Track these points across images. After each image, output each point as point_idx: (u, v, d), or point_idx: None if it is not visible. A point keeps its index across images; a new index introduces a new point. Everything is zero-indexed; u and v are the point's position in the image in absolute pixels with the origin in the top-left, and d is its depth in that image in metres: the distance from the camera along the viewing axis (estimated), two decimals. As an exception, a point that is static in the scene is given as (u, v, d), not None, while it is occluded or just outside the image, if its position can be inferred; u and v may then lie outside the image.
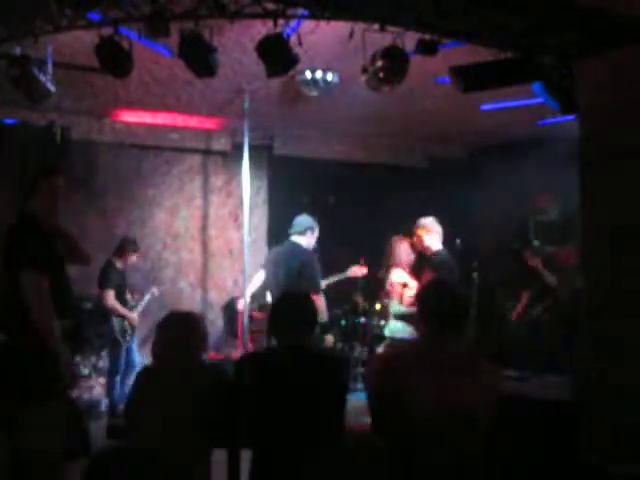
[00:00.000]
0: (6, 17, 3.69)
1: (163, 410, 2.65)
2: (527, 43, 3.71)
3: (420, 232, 5.03)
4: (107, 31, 3.75)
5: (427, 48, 3.79)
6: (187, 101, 6.13)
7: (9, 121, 6.22)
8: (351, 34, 3.75)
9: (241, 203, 6.26)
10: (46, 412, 2.92)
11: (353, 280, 6.79)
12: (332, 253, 5.97)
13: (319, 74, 5.02)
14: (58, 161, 6.16)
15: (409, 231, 5.13)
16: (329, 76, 5.05)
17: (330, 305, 5.54)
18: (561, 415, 3.49)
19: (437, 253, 5.00)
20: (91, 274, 5.67)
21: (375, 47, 3.86)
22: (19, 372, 2.90)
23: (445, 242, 5.11)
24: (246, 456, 2.76)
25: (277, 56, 3.80)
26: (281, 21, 3.67)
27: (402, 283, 5.03)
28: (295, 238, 5.07)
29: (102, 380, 6.15)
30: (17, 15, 3.70)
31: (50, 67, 4.27)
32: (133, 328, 5.98)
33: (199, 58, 3.84)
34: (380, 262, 5.53)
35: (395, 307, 5.06)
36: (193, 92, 5.82)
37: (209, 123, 7.04)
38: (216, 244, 7.56)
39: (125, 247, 6.01)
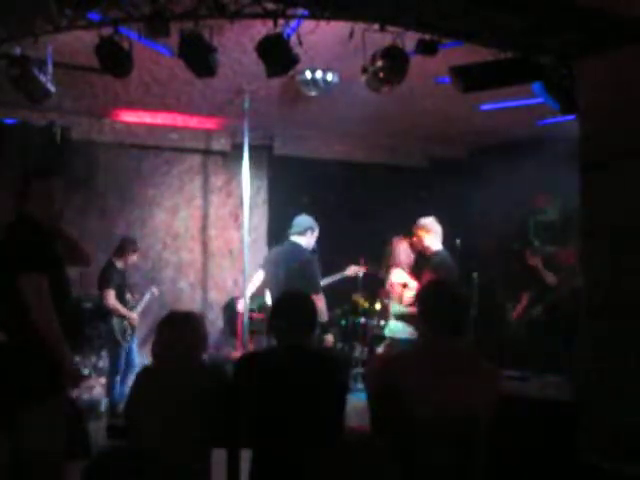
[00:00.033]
0: (6, 17, 3.69)
1: (163, 410, 2.65)
2: (527, 43, 3.71)
3: (420, 232, 5.02)
4: (107, 31, 3.74)
5: (427, 48, 3.79)
6: (187, 101, 6.13)
7: (9, 121, 6.23)
8: (351, 34, 3.75)
9: (241, 203, 6.26)
10: (46, 412, 2.92)
11: (353, 280, 6.79)
12: (332, 253, 5.97)
13: (319, 74, 5.02)
14: (54, 163, 6.17)
15: (409, 231, 5.13)
16: (329, 76, 5.05)
17: (330, 305, 5.54)
18: (561, 415, 3.49)
19: (437, 253, 4.99)
20: (91, 274, 5.67)
21: (375, 47, 3.86)
22: (19, 372, 2.89)
23: (445, 242, 5.11)
24: (246, 456, 2.76)
25: (277, 56, 3.80)
26: (281, 21, 3.67)
27: (402, 283, 5.02)
28: (295, 238, 5.07)
29: (102, 380, 6.15)
30: (17, 15, 3.69)
31: (50, 67, 4.27)
32: (133, 328, 5.97)
33: (199, 58, 3.84)
34: (380, 262, 5.53)
35: (395, 307, 5.06)
36: (193, 92, 5.82)
37: (209, 123, 7.04)
38: (216, 244, 7.56)
39: (125, 247, 6.01)
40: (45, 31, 3.80)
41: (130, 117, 6.72)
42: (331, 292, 5.81)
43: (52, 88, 4.30)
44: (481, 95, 4.38)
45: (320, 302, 4.71)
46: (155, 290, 6.48)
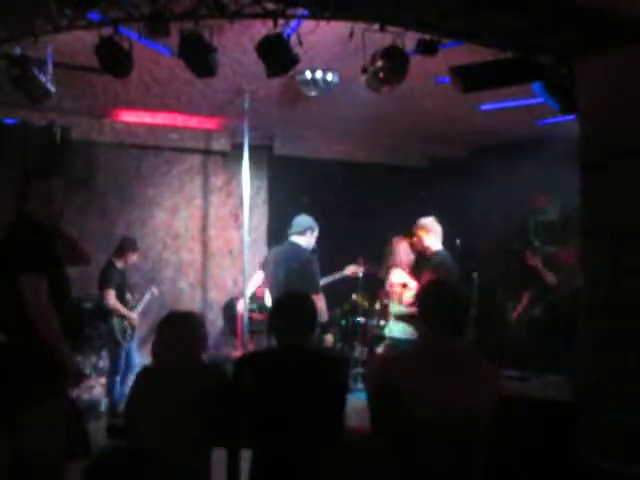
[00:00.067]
0: (6, 17, 3.69)
1: (163, 410, 2.65)
2: (527, 43, 3.71)
3: (420, 232, 5.02)
4: (107, 31, 3.74)
5: (427, 48, 3.79)
6: (187, 101, 6.13)
7: (9, 121, 6.23)
8: (351, 34, 3.75)
9: (241, 203, 6.26)
10: (46, 412, 2.92)
11: (353, 280, 6.79)
12: (332, 253, 5.97)
13: (319, 74, 5.02)
14: (54, 163, 6.17)
15: (409, 231, 5.13)
16: (329, 76, 5.05)
17: (330, 305, 5.54)
18: (561, 415, 3.49)
19: (437, 253, 5.00)
20: (91, 274, 5.67)
21: (375, 47, 3.85)
22: (19, 372, 2.89)
23: (445, 242, 5.11)
24: (246, 456, 2.76)
25: (277, 56, 3.80)
26: (281, 21, 3.67)
27: (402, 283, 5.02)
28: (295, 238, 5.07)
29: (102, 380, 6.15)
30: (17, 15, 3.69)
31: (50, 67, 4.26)
32: (133, 328, 5.98)
33: (199, 58, 3.84)
34: (380, 262, 5.53)
35: (395, 307, 5.06)
36: (193, 92, 5.82)
37: (209, 123, 7.04)
38: (216, 244, 7.56)
39: (125, 247, 6.01)
40: (45, 31, 3.80)
41: (130, 117, 6.72)
42: (331, 292, 5.81)
43: (52, 88, 4.30)
44: (481, 95, 4.38)
45: (320, 302, 4.71)
46: (155, 290, 6.48)
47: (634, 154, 3.34)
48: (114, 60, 3.84)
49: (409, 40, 3.81)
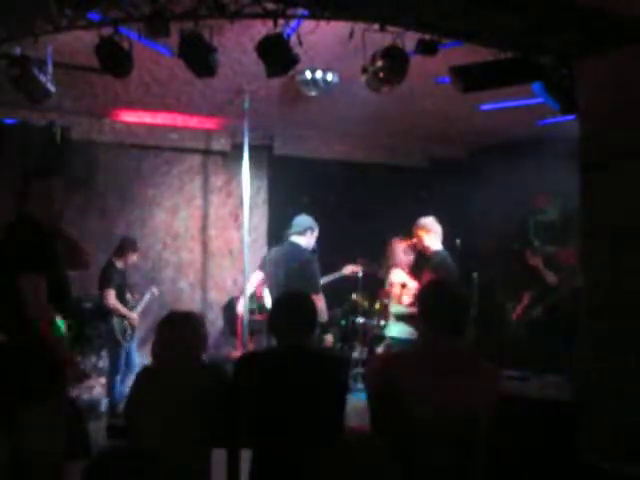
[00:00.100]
0: (6, 17, 3.69)
1: (163, 410, 2.65)
2: (527, 43, 3.71)
3: (420, 232, 5.02)
4: (107, 31, 3.74)
5: (427, 48, 3.79)
6: (187, 101, 6.13)
7: (9, 121, 6.23)
8: (351, 34, 3.75)
9: (241, 203, 6.26)
10: (46, 412, 2.92)
11: (353, 280, 6.79)
12: (332, 253, 5.97)
13: (319, 74, 5.02)
14: (54, 163, 6.17)
15: (409, 231, 5.13)
16: (329, 76, 5.05)
17: (330, 305, 5.53)
18: (561, 415, 3.49)
19: (437, 253, 4.99)
20: (91, 274, 5.65)
21: (375, 47, 3.85)
22: (19, 372, 2.89)
23: (445, 242, 5.11)
24: (246, 456, 2.76)
25: (277, 56, 3.80)
26: (281, 21, 3.67)
27: (401, 283, 5.02)
28: (294, 238, 5.07)
29: (102, 380, 6.15)
30: (17, 15, 3.69)
31: (50, 67, 4.26)
32: (133, 328, 5.98)
33: (199, 58, 3.84)
34: (380, 262, 5.52)
35: (395, 307, 5.06)
36: (193, 92, 5.82)
37: (209, 123, 7.04)
38: (216, 244, 7.56)
39: (125, 247, 6.01)
40: (45, 31, 3.80)
41: (130, 117, 6.72)
42: (331, 292, 5.80)
43: (52, 88, 4.30)
44: (481, 95, 4.38)
45: (320, 302, 4.71)
46: (155, 290, 6.48)
47: (634, 154, 3.34)
48: (114, 60, 3.84)
49: (409, 40, 3.81)
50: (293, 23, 3.80)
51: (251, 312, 6.29)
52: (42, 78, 4.18)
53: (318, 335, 4.84)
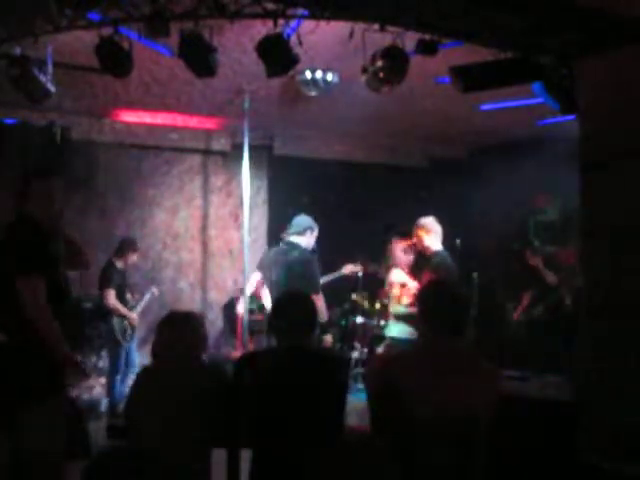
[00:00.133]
0: (6, 17, 3.69)
1: (163, 410, 2.65)
2: (527, 43, 3.71)
3: (420, 232, 5.02)
4: (107, 31, 3.74)
5: (427, 48, 3.79)
6: (187, 101, 6.13)
7: (9, 121, 6.23)
8: (351, 34, 3.75)
9: (241, 203, 6.26)
10: (46, 412, 2.92)
11: (353, 280, 6.79)
12: (332, 253, 5.97)
13: (319, 74, 5.02)
14: (54, 163, 6.17)
15: (409, 231, 5.13)
16: (329, 76, 5.05)
17: (330, 305, 5.53)
18: (561, 415, 3.50)
19: (437, 253, 4.99)
20: (91, 274, 5.65)
21: (375, 47, 3.85)
22: (19, 372, 2.89)
23: (445, 242, 5.10)
24: (246, 456, 2.76)
25: (277, 56, 3.80)
26: (281, 21, 3.67)
27: (401, 283, 5.02)
28: (294, 238, 5.07)
29: (102, 380, 6.15)
30: (17, 15, 3.69)
31: (50, 67, 4.27)
32: (133, 328, 5.98)
33: (199, 58, 3.84)
34: (380, 262, 5.52)
35: (395, 307, 5.06)
36: (193, 92, 5.82)
37: (209, 123, 7.04)
38: (216, 244, 7.56)
39: (125, 247, 6.02)
40: (45, 31, 3.80)
41: (130, 117, 6.72)
42: (331, 292, 5.81)
43: (52, 88, 4.30)
44: (481, 95, 4.38)
45: (320, 302, 4.71)
46: (155, 290, 6.48)
47: (634, 154, 3.34)
48: (114, 60, 3.84)
49: (409, 40, 3.81)
50: (293, 23, 3.80)
51: (251, 312, 6.29)
52: (42, 78, 4.18)
53: (318, 335, 4.84)
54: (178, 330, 2.77)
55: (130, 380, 5.56)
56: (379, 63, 3.90)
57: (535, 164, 6.11)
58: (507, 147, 7.20)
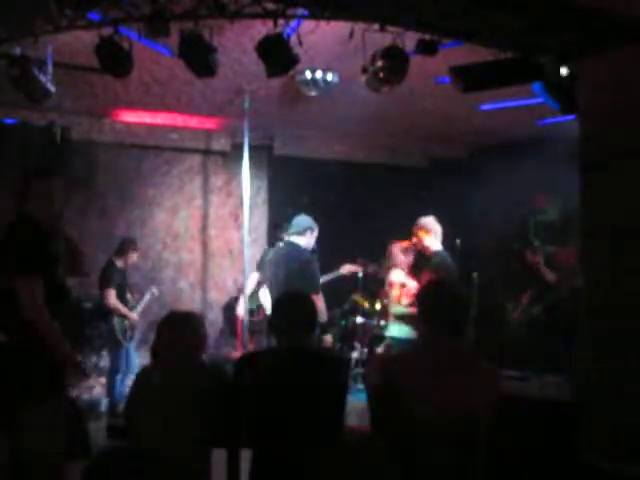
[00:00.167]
0: (6, 17, 3.69)
1: (163, 410, 2.65)
2: (527, 43, 3.71)
3: (420, 232, 5.02)
4: (107, 31, 3.75)
5: (427, 48, 3.79)
6: (187, 101, 6.13)
7: (9, 121, 6.23)
8: (351, 34, 3.75)
9: (241, 203, 6.26)
10: (46, 412, 2.92)
11: (353, 280, 6.79)
12: (332, 253, 5.97)
13: (319, 74, 5.02)
14: (54, 163, 6.17)
15: (408, 231, 5.13)
16: (329, 76, 5.05)
17: (330, 305, 5.53)
18: (561, 415, 3.50)
19: (436, 253, 4.99)
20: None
21: (375, 47, 3.86)
22: (19, 372, 2.89)
23: (445, 242, 5.10)
24: (246, 456, 2.76)
25: (277, 56, 3.80)
26: (281, 21, 3.67)
27: (401, 283, 5.02)
28: (294, 238, 5.06)
29: (102, 380, 6.15)
30: (17, 15, 3.69)
31: (50, 67, 4.27)
32: (133, 328, 5.98)
33: (199, 58, 3.84)
34: (379, 262, 5.52)
35: (395, 307, 5.06)
36: (193, 92, 5.82)
37: (209, 123, 7.04)
38: (216, 244, 7.56)
39: (125, 247, 6.01)
40: (45, 31, 3.80)
41: (130, 117, 6.72)
42: (331, 292, 5.81)
43: (52, 88, 4.30)
44: (481, 95, 4.38)
45: (320, 302, 4.71)
46: (155, 290, 6.48)
47: (634, 154, 3.33)
48: (114, 60, 3.84)
49: (409, 40, 3.82)
50: (293, 23, 3.80)
51: (251, 312, 6.29)
52: (42, 78, 4.18)
53: (318, 335, 4.83)
54: (178, 330, 2.77)
55: (130, 380, 5.56)
56: (379, 63, 3.90)
57: (535, 164, 6.11)
58: (507, 147, 7.20)
